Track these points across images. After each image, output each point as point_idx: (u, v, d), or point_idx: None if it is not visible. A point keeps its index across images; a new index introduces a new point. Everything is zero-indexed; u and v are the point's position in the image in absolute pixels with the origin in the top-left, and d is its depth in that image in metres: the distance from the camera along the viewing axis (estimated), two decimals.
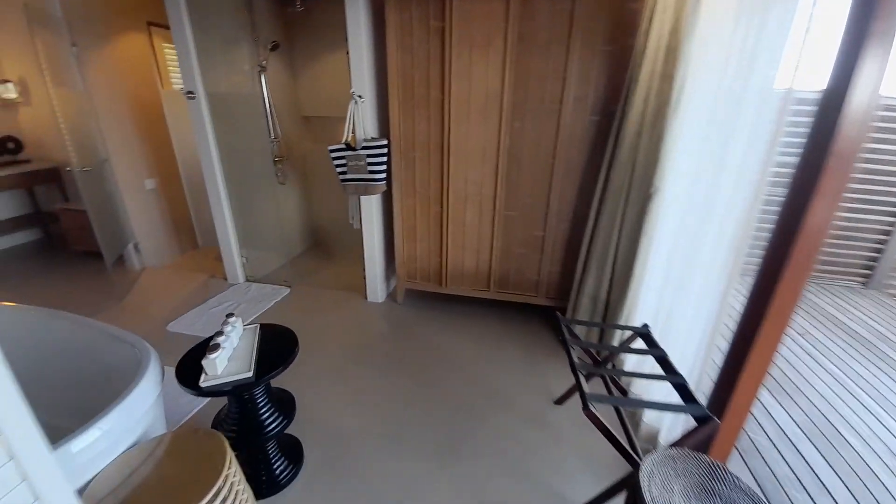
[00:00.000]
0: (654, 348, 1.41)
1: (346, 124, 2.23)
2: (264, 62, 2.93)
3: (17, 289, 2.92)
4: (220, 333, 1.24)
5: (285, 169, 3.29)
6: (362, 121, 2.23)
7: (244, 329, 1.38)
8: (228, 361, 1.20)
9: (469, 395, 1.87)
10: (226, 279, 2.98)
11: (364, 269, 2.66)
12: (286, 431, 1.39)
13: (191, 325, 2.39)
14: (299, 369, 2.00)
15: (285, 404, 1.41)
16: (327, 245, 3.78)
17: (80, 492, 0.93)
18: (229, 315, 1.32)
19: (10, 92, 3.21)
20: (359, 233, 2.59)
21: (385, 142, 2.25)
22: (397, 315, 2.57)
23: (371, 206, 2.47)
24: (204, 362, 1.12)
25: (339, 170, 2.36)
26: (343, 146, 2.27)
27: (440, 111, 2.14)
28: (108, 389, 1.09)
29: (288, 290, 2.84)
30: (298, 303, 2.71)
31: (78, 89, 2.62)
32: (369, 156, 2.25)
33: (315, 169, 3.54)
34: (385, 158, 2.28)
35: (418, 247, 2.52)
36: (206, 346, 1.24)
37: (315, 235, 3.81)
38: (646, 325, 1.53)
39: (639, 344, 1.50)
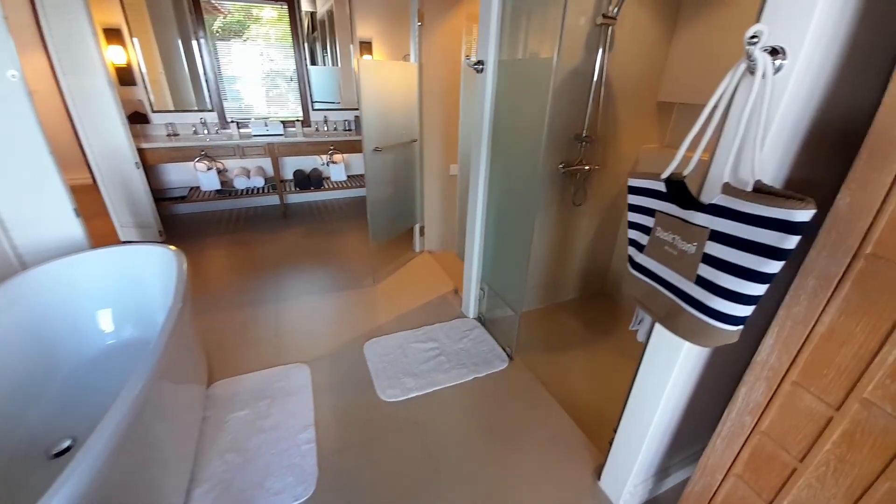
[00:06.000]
0: None
1: (694, 129, 0.81)
2: (615, 10, 1.77)
3: (313, 233, 3.36)
4: None
5: (589, 183, 2.14)
6: (757, 127, 0.74)
7: None
8: None
9: None
10: (460, 305, 2.36)
11: (615, 432, 1.26)
12: None
13: (382, 357, 1.91)
14: None
15: None
16: (608, 301, 2.42)
17: None
18: None
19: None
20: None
21: (803, 215, 0.64)
22: None
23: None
24: None
25: (631, 234, 1.00)
26: (660, 185, 0.88)
27: None
28: None
29: (504, 366, 1.87)
30: (491, 404, 1.67)
31: (415, 63, 2.48)
32: (719, 237, 0.75)
33: None
34: (778, 263, 0.68)
35: None
36: None
37: (596, 283, 2.53)
38: None
39: None
